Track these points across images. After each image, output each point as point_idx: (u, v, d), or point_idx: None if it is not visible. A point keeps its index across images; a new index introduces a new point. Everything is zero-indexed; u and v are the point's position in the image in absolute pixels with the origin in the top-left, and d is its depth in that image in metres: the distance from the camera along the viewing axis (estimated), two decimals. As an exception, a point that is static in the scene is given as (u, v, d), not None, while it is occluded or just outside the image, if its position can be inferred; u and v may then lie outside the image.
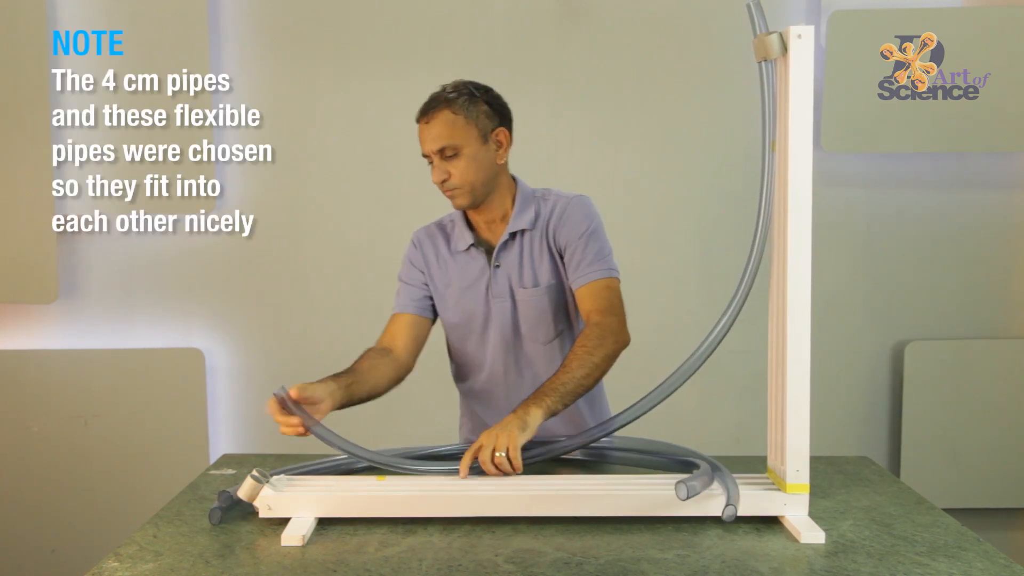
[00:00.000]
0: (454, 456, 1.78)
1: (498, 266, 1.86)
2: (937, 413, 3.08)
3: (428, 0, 3.04)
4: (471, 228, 1.90)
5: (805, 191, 1.46)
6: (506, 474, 1.56)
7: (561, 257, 1.84)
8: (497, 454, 1.55)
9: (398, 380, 1.86)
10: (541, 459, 1.68)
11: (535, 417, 1.60)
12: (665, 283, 3.11)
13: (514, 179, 1.90)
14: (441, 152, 1.77)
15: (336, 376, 1.71)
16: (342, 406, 1.69)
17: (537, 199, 1.88)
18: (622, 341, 1.77)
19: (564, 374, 1.68)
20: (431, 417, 3.13)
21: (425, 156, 1.80)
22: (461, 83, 1.82)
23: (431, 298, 1.93)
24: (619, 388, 3.02)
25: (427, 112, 1.78)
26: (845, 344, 3.13)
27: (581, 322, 1.89)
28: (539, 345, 1.87)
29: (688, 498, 1.43)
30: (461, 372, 1.99)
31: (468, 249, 1.88)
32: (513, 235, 1.86)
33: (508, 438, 1.55)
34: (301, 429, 1.54)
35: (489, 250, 1.88)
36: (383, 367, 1.82)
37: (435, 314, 1.95)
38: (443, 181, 1.78)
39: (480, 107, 1.80)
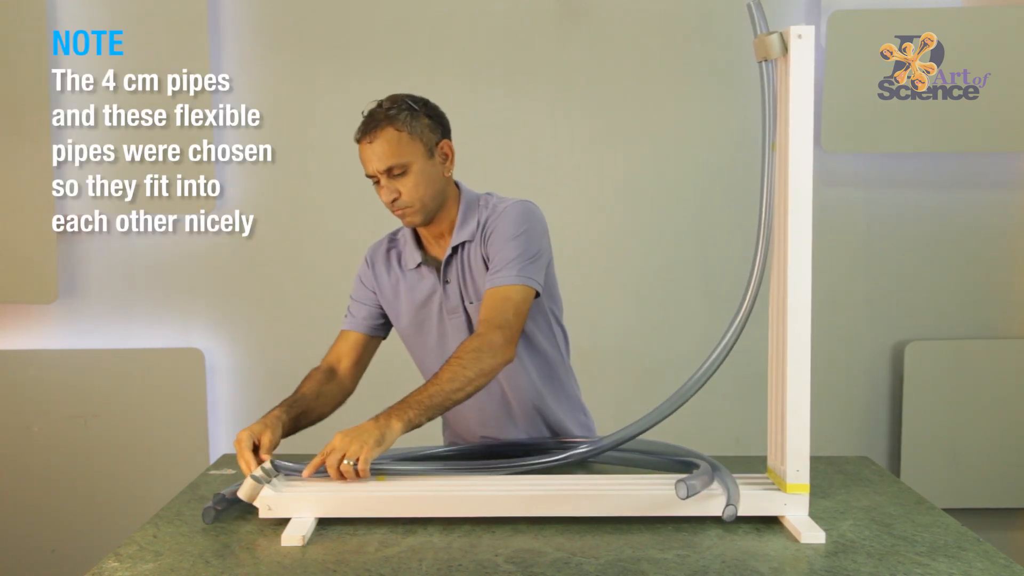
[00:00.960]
0: (445, 458, 1.80)
1: (448, 282, 1.81)
2: (937, 413, 3.08)
3: (428, 0, 3.05)
4: (419, 244, 1.86)
5: (805, 191, 1.46)
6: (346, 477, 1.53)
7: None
8: (346, 462, 1.51)
9: (341, 403, 1.86)
10: (542, 467, 1.65)
11: (394, 432, 1.55)
12: (664, 282, 3.11)
13: (458, 187, 1.84)
14: (388, 171, 1.71)
15: (286, 407, 1.72)
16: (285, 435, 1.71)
17: (479, 207, 1.81)
18: (501, 358, 1.65)
19: (433, 386, 1.60)
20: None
21: (370, 176, 1.74)
22: (398, 97, 1.75)
23: (383, 316, 1.90)
24: (618, 387, 3.03)
25: (369, 131, 1.71)
26: (845, 344, 3.13)
27: (542, 324, 1.86)
28: None
29: (688, 497, 1.43)
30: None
31: (418, 267, 1.84)
32: (456, 249, 1.80)
33: (361, 449, 1.51)
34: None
35: (439, 266, 1.82)
36: (329, 394, 1.82)
37: (386, 332, 1.93)
38: (393, 200, 1.73)
39: (422, 121, 1.73)
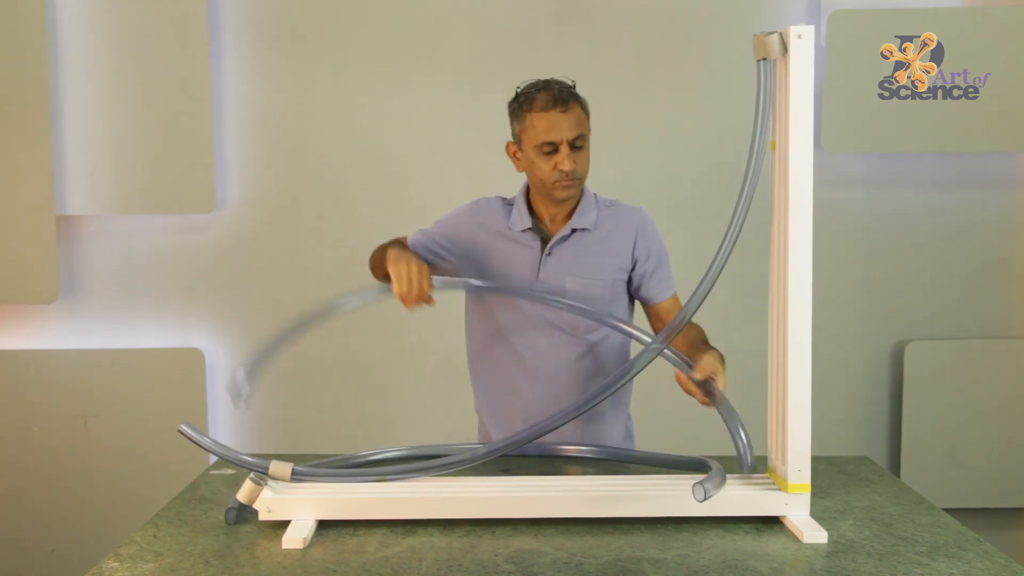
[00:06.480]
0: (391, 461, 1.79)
1: (550, 255, 1.88)
2: (937, 413, 3.07)
3: (428, 0, 3.04)
4: (532, 213, 1.91)
5: (806, 191, 1.46)
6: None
7: (633, 266, 1.92)
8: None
9: None
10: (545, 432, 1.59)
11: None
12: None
13: None
14: (573, 141, 1.79)
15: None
16: None
17: (597, 202, 1.93)
18: None
19: (697, 328, 1.85)
20: (438, 417, 3.13)
21: (547, 144, 1.79)
22: (563, 82, 1.85)
23: (440, 259, 1.93)
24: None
25: (563, 101, 1.80)
26: (845, 344, 3.13)
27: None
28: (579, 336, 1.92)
29: (705, 500, 1.41)
30: (481, 353, 1.99)
31: (524, 231, 1.89)
32: (573, 231, 1.88)
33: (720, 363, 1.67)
34: None
35: (544, 238, 1.89)
36: None
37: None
38: (571, 171, 1.80)
39: (586, 108, 1.86)
